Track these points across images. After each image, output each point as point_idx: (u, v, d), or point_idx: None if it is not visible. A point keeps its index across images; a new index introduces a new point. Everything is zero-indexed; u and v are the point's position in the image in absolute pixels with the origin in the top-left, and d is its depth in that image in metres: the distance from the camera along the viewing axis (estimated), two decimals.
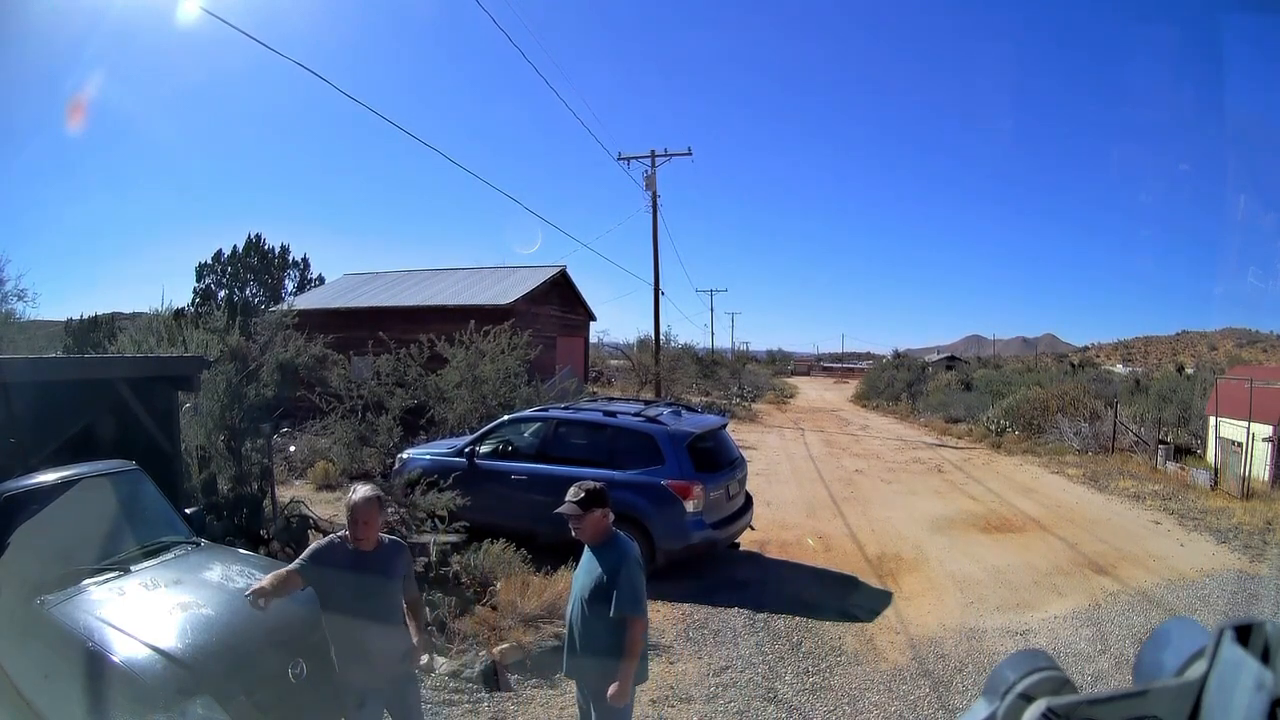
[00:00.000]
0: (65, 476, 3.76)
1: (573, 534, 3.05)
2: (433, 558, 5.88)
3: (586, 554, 3.06)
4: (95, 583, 3.35)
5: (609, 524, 3.03)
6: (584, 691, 3.06)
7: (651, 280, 23.77)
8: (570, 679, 3.34)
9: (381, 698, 3.04)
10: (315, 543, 3.14)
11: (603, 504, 3.00)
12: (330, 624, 2.98)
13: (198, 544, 4.01)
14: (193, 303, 30.22)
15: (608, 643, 2.89)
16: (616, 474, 6.63)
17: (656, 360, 24.97)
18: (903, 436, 20.08)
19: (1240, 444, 12.52)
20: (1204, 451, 14.78)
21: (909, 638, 5.51)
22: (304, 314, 9.50)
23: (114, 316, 23.15)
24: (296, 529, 6.23)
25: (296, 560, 3.06)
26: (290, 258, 39.44)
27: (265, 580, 2.91)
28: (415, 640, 3.10)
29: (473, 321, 11.18)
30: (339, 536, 3.13)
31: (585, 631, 2.96)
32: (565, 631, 3.13)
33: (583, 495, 2.97)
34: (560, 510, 3.02)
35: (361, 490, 3.08)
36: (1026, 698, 0.53)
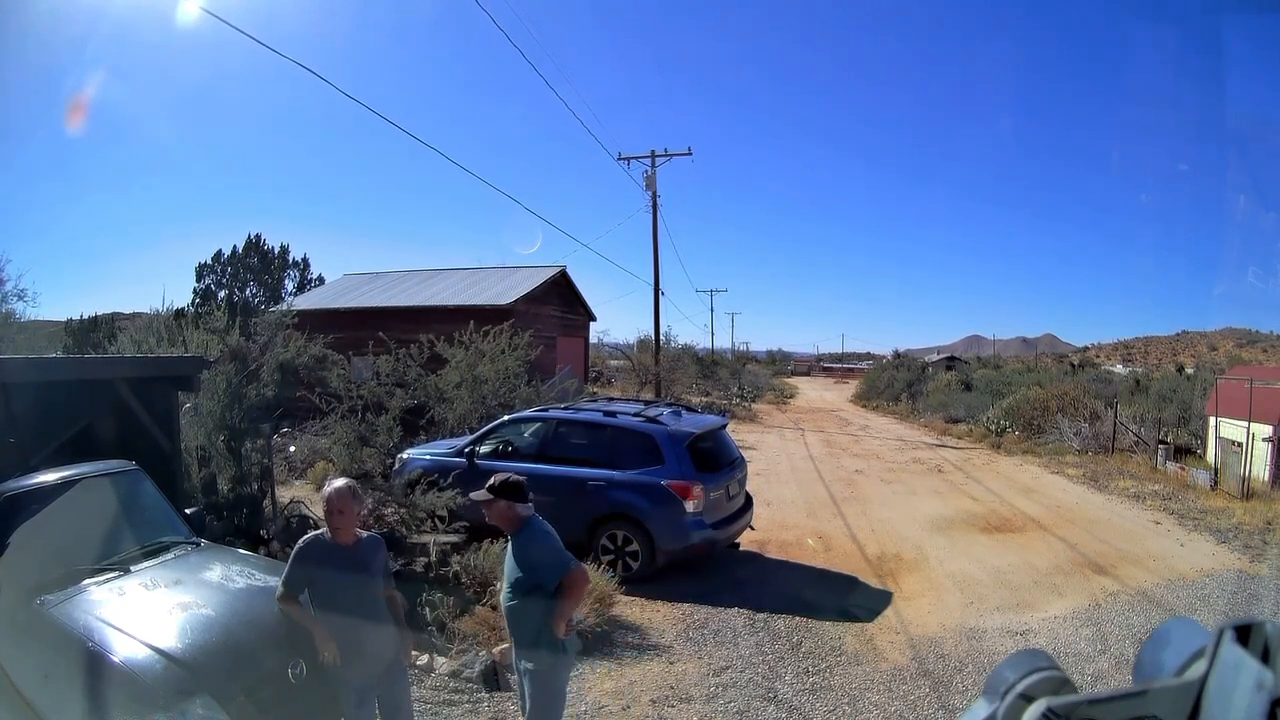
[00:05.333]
0: (65, 476, 3.75)
1: (485, 519, 3.21)
2: (433, 558, 5.88)
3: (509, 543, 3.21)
4: (95, 583, 3.34)
5: (517, 514, 3.12)
6: (518, 672, 3.16)
7: (651, 280, 23.81)
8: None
9: (375, 692, 3.09)
10: (298, 544, 3.17)
11: (511, 497, 3.10)
12: (323, 622, 3.01)
13: (198, 544, 4.00)
14: (193, 303, 30.25)
15: (528, 623, 3.03)
16: (616, 474, 6.64)
17: (656, 360, 24.97)
18: (903, 437, 20.08)
19: (1240, 444, 12.52)
20: (1204, 451, 14.78)
21: (909, 638, 5.51)
22: (304, 314, 9.50)
23: (114, 316, 23.19)
24: (296, 529, 6.22)
25: (283, 578, 3.14)
26: (290, 258, 39.51)
27: (318, 637, 2.98)
28: (401, 634, 3.20)
29: (472, 322, 11.18)
30: (319, 533, 3.18)
31: (508, 613, 3.11)
32: None
33: (494, 484, 3.13)
34: (473, 495, 3.21)
35: (337, 481, 3.16)
36: (1026, 698, 0.53)
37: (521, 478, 3.21)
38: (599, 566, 5.96)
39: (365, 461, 6.75)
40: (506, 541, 3.23)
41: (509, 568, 3.12)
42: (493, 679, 4.47)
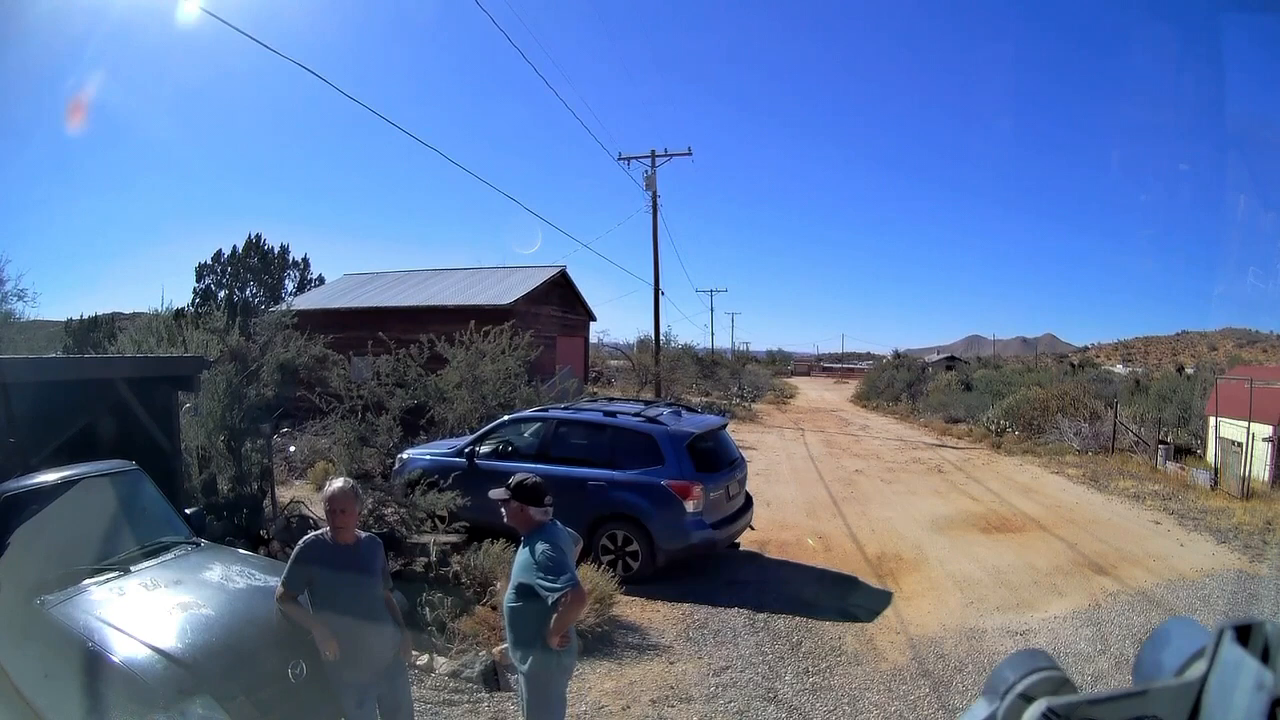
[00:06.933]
0: (65, 476, 3.75)
1: (504, 519, 3.21)
2: (433, 558, 5.88)
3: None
4: (95, 583, 3.34)
5: (529, 517, 3.13)
6: (516, 673, 3.16)
7: (651, 280, 23.81)
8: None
9: (375, 692, 3.09)
10: (299, 544, 3.18)
11: (523, 499, 3.12)
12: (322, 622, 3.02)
13: (198, 544, 4.01)
14: (193, 303, 30.23)
15: (525, 626, 3.02)
16: (617, 474, 6.64)
17: (656, 360, 24.98)
18: (903, 437, 20.07)
19: (1240, 444, 12.51)
20: (1204, 451, 14.78)
21: (909, 638, 5.51)
22: (304, 314, 9.52)
23: (114, 316, 23.21)
24: (296, 529, 6.22)
25: (282, 577, 3.15)
26: (290, 258, 39.45)
27: (318, 636, 2.98)
28: (401, 633, 3.22)
29: (473, 322, 11.19)
30: (319, 533, 3.19)
31: (508, 614, 3.10)
32: None
33: (512, 483, 3.15)
34: (492, 493, 3.21)
35: (338, 481, 3.17)
36: (1026, 698, 0.53)
37: (539, 480, 3.19)
38: (599, 566, 5.96)
39: (365, 461, 6.76)
40: (517, 543, 3.23)
41: (515, 568, 3.12)
42: (493, 679, 4.47)
